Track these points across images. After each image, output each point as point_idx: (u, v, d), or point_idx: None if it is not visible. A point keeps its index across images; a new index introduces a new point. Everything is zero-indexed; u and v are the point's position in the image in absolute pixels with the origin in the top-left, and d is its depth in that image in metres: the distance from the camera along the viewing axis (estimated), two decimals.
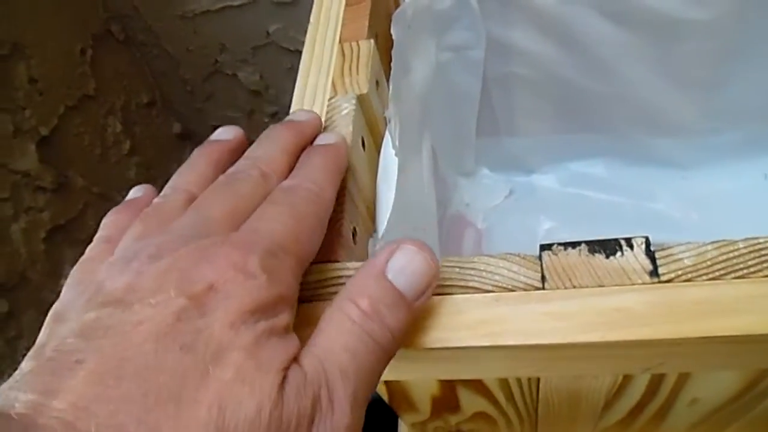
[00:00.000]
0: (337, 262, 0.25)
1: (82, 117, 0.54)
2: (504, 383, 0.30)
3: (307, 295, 0.24)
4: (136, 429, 0.16)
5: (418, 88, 0.44)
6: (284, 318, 0.20)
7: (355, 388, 0.19)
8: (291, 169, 0.25)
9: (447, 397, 0.33)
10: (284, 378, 0.18)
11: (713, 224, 0.56)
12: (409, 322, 0.21)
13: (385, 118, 0.33)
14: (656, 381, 0.31)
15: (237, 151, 0.26)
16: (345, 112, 0.29)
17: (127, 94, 0.58)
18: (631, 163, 0.60)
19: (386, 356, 0.20)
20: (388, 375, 0.22)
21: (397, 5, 0.41)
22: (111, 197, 0.56)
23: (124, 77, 0.59)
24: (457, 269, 0.23)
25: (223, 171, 0.24)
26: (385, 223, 0.29)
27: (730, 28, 0.45)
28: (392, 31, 0.38)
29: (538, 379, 0.29)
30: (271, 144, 0.25)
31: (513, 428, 0.38)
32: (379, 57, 0.34)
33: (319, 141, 0.26)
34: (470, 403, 0.33)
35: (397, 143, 0.35)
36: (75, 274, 0.22)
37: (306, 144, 0.26)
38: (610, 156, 0.60)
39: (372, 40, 0.32)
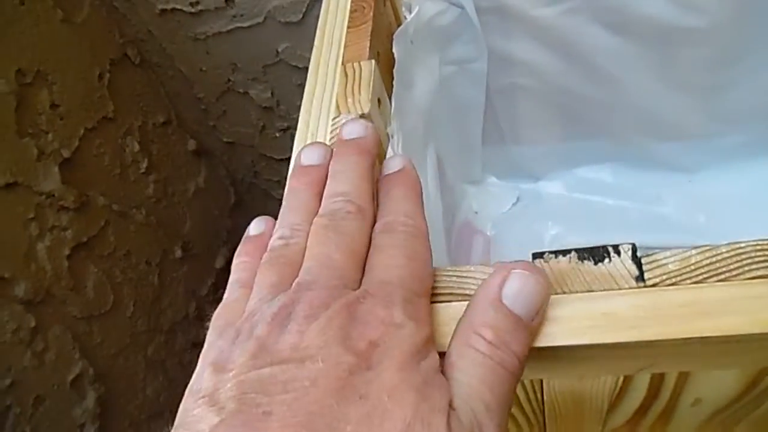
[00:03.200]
0: None
1: (102, 138, 0.57)
2: None
3: None
4: None
5: (421, 101, 0.45)
6: (435, 356, 0.21)
7: (499, 420, 0.20)
8: (373, 193, 0.26)
9: None
10: (448, 416, 0.19)
11: (720, 226, 0.57)
12: (531, 343, 0.22)
13: (387, 134, 0.34)
14: (657, 382, 0.32)
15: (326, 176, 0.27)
16: None
17: (144, 114, 0.61)
18: (637, 167, 0.60)
19: (516, 380, 0.22)
20: None
21: (399, 24, 0.43)
22: (131, 215, 0.58)
23: (141, 98, 0.61)
24: (455, 278, 0.25)
25: (320, 197, 0.26)
26: None
27: (727, 34, 0.46)
28: (394, 50, 0.39)
29: (542, 381, 0.31)
30: (351, 173, 0.26)
31: None
32: (380, 76, 0.35)
33: (390, 168, 0.27)
34: None
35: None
36: (219, 320, 0.24)
37: (374, 161, 0.27)
38: (616, 161, 0.61)
39: (373, 61, 0.34)
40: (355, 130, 0.28)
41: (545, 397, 0.33)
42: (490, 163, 0.61)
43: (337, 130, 0.31)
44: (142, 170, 0.59)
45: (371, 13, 0.37)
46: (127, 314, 0.55)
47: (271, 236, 0.26)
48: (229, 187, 0.76)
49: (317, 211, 0.25)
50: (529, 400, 0.33)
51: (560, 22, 0.46)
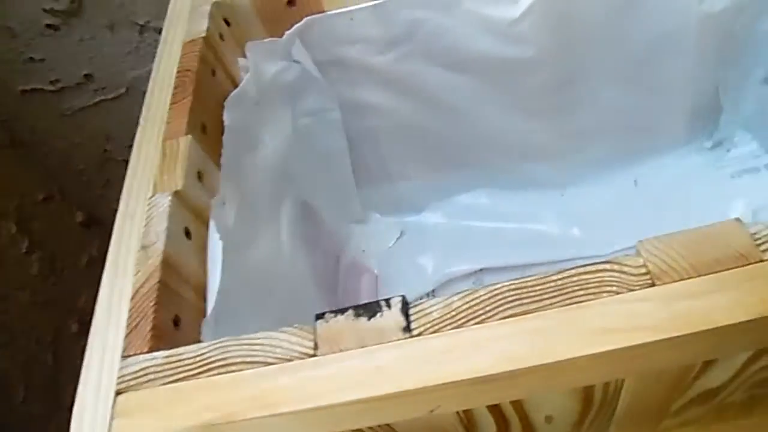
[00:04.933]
0: (152, 351, 0.27)
1: None
2: None
3: (122, 388, 0.26)
4: None
5: (271, 158, 0.47)
6: None
7: None
8: None
9: None
10: None
11: (593, 236, 0.60)
12: None
13: (212, 204, 0.35)
14: (497, 411, 0.33)
15: None
16: (162, 209, 0.32)
17: (21, 194, 0.60)
18: (512, 189, 0.63)
19: None
20: None
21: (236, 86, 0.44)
22: (13, 297, 0.57)
23: (15, 178, 0.61)
24: (246, 346, 0.26)
25: None
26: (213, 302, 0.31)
27: (556, 61, 0.49)
28: (224, 117, 0.40)
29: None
30: None
31: None
32: (202, 149, 0.36)
33: None
34: None
35: (231, 223, 0.37)
36: None
37: None
38: (491, 186, 0.63)
39: (189, 136, 0.35)
40: None
41: None
42: (372, 201, 0.63)
43: (152, 209, 0.32)
44: (24, 250, 0.59)
45: (192, 88, 0.38)
46: (19, 400, 0.54)
47: None
48: None
49: None
50: None
51: (397, 67, 0.48)
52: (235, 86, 0.44)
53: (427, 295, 0.59)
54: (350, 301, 0.59)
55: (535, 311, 0.24)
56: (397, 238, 0.63)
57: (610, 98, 0.54)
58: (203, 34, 0.41)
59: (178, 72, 0.39)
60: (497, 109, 0.52)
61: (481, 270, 0.59)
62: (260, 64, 0.46)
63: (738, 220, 0.25)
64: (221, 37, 0.43)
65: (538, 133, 0.56)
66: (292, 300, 0.45)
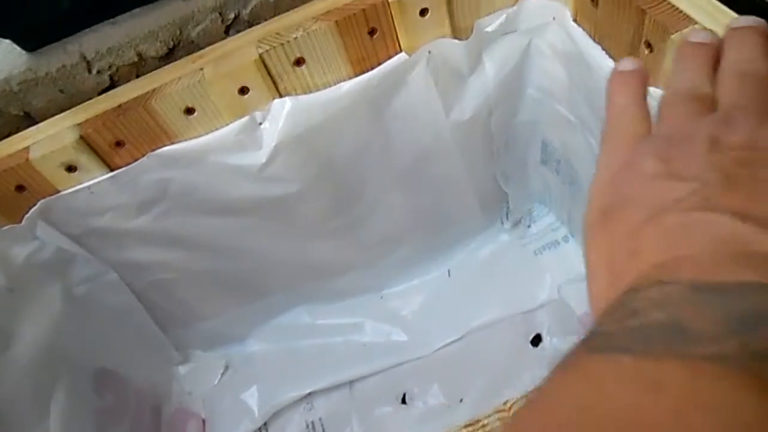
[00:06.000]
0: None
1: None
2: None
3: None
4: None
5: (33, 349, 0.43)
6: None
7: None
8: None
9: None
10: None
11: (417, 338, 0.59)
12: None
13: None
14: None
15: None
16: None
17: None
18: (330, 301, 0.62)
19: None
20: None
21: None
22: None
23: None
24: None
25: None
26: None
27: (322, 191, 0.48)
28: None
29: None
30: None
31: None
32: None
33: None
34: None
35: None
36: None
37: None
38: (309, 302, 0.62)
39: None
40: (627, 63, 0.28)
41: None
42: (189, 340, 0.60)
43: None
44: None
45: None
46: None
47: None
48: None
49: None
50: None
51: (158, 224, 0.46)
52: None
53: (260, 430, 0.57)
54: None
55: None
56: (222, 373, 0.60)
57: (395, 207, 0.54)
58: None
59: None
60: (281, 240, 0.52)
61: (309, 394, 0.58)
62: (6, 251, 0.43)
63: None
64: None
65: (336, 251, 0.56)
66: None
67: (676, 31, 0.34)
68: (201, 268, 0.52)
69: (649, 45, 0.36)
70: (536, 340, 0.57)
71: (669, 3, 0.35)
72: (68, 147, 0.40)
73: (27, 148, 0.41)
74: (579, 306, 0.56)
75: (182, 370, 0.60)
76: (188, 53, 0.43)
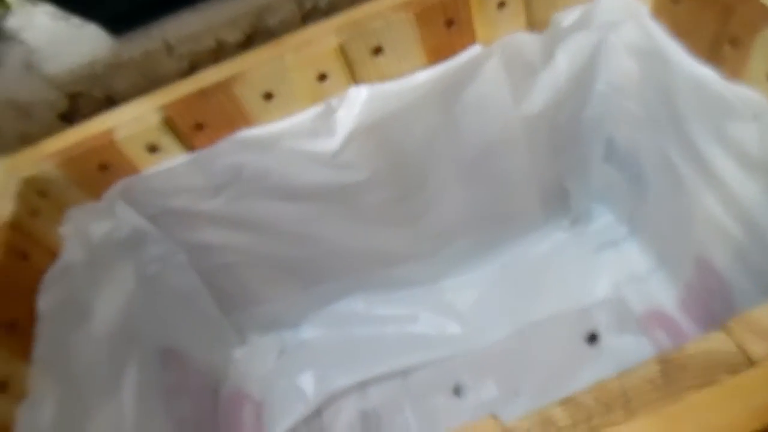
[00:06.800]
0: None
1: None
2: None
3: None
4: None
5: (110, 323, 0.45)
6: None
7: None
8: None
9: None
10: None
11: (470, 332, 0.59)
12: None
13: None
14: None
15: None
16: None
17: None
18: (386, 290, 0.62)
19: None
20: None
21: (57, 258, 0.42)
22: None
23: None
24: None
25: None
26: None
27: (389, 180, 0.49)
28: (39, 303, 0.39)
29: None
30: None
31: None
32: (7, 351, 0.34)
33: None
34: None
35: (47, 423, 0.35)
36: None
37: None
38: (365, 290, 0.62)
39: None
40: None
41: None
42: (247, 324, 0.61)
43: None
44: None
45: None
46: None
47: None
48: None
49: None
50: None
51: (230, 207, 0.48)
52: (56, 258, 0.43)
53: (313, 417, 0.58)
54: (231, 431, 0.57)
55: None
56: (277, 357, 0.61)
57: (457, 198, 0.55)
58: (8, 219, 0.39)
59: None
60: (345, 227, 0.52)
61: (363, 382, 0.58)
62: (85, 228, 0.45)
63: None
64: (35, 213, 0.42)
65: (396, 240, 0.56)
66: None
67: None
68: (265, 251, 0.53)
69: (733, 42, 0.36)
70: (592, 339, 0.57)
71: None
72: (152, 128, 0.41)
73: (111, 129, 0.42)
74: (638, 306, 0.56)
75: (240, 351, 0.62)
76: (265, 41, 0.44)
